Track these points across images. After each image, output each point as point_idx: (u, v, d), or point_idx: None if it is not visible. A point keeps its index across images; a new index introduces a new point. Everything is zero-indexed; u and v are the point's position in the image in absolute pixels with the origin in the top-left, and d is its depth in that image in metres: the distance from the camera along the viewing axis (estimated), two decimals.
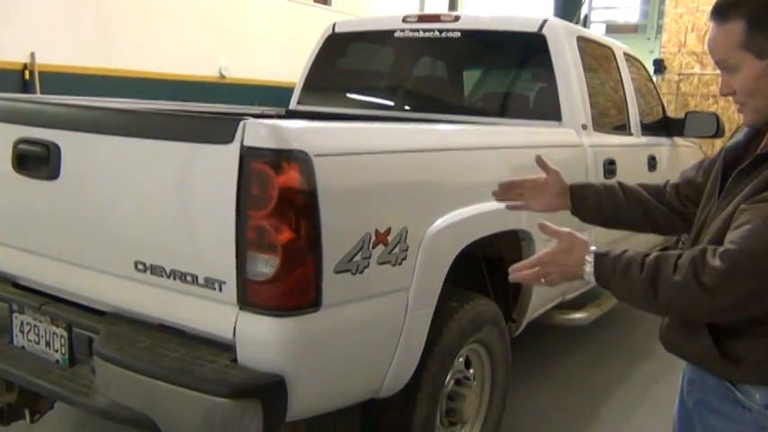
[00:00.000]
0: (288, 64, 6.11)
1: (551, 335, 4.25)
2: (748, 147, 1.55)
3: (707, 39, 1.47)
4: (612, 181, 1.92)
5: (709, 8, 1.44)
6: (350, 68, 4.34)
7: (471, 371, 2.72)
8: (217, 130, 1.84)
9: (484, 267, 3.01)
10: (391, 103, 4.14)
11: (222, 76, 7.25)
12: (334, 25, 4.18)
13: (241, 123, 1.78)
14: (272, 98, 6.56)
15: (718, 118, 4.59)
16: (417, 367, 2.28)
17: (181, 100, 6.21)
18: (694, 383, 1.58)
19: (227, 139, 1.79)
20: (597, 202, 1.85)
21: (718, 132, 4.56)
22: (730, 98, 1.49)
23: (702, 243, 1.48)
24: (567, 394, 3.69)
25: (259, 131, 1.77)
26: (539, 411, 3.45)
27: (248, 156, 1.76)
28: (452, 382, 2.57)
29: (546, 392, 3.68)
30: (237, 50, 7.40)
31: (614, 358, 4.19)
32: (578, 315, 3.67)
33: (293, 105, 4.26)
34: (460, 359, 2.62)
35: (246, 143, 1.77)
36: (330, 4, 8.83)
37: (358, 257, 1.93)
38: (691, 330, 1.48)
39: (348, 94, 4.28)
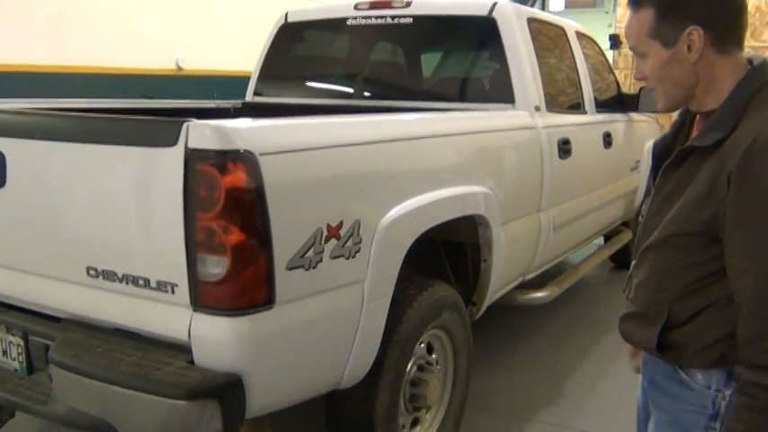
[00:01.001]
0: (247, 52, 6.05)
1: (514, 314, 4.32)
2: (675, 140, 1.59)
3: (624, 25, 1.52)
4: None
5: None
6: (305, 57, 4.33)
7: (434, 356, 2.76)
8: (160, 133, 1.83)
9: (443, 252, 3.05)
10: (348, 91, 4.14)
11: (179, 69, 7.14)
12: (286, 15, 4.15)
13: (184, 125, 1.77)
14: (231, 88, 6.49)
15: None
16: (378, 356, 2.30)
17: (138, 95, 6.14)
18: (648, 365, 1.64)
19: (171, 141, 1.78)
20: None
21: None
22: None
23: (641, 246, 1.55)
24: (532, 371, 3.76)
25: (203, 133, 1.77)
26: (503, 390, 3.51)
27: (193, 158, 1.76)
28: (415, 368, 2.61)
29: (510, 371, 3.74)
30: (194, 41, 7.28)
31: (577, 334, 4.27)
32: (539, 294, 3.73)
33: (249, 97, 4.24)
34: (422, 345, 2.66)
35: (191, 145, 1.76)
36: None
37: (310, 253, 1.95)
38: (645, 320, 1.53)
39: (305, 84, 4.26)
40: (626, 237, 5.28)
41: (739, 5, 1.44)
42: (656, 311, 1.49)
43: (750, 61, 1.46)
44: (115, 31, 6.53)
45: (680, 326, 1.47)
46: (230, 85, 6.80)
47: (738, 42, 1.44)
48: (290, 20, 4.12)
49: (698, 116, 1.53)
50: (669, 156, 1.51)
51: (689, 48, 1.40)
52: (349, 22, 3.88)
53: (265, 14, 7.46)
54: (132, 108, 3.48)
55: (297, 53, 4.26)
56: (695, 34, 1.39)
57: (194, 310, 1.85)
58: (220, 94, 7.09)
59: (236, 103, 4.19)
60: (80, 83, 5.99)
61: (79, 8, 6.32)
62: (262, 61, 4.20)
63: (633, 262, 1.62)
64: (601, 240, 5.26)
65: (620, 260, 5.58)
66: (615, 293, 5.23)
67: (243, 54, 6.83)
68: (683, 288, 1.46)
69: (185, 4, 7.18)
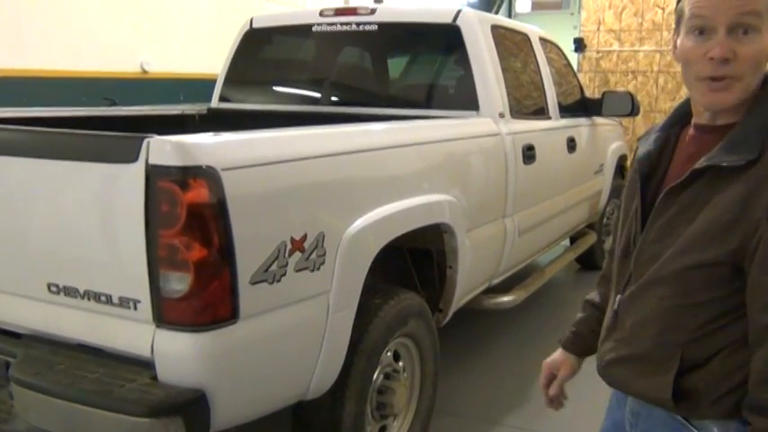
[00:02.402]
0: (213, 55, 6.01)
1: (481, 318, 4.35)
2: (661, 155, 1.43)
3: None
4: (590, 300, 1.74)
5: None
6: (271, 63, 4.31)
7: (400, 363, 2.77)
8: (121, 149, 1.82)
9: (409, 259, 3.07)
10: (314, 97, 4.14)
11: (144, 72, 7.06)
12: (251, 20, 4.14)
13: (145, 141, 1.76)
14: (198, 91, 6.42)
15: (632, 97, 4.76)
16: (344, 366, 2.31)
17: (102, 99, 6.06)
18: (641, 416, 1.44)
19: (131, 158, 1.77)
20: (593, 339, 1.62)
21: (634, 110, 4.73)
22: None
23: (641, 278, 1.37)
24: (499, 375, 3.80)
25: (164, 149, 1.76)
26: (470, 394, 3.54)
27: (154, 174, 1.75)
28: (381, 376, 2.62)
29: (477, 375, 3.77)
30: (159, 44, 7.21)
31: (543, 337, 4.32)
32: (506, 298, 3.77)
33: (215, 102, 4.22)
34: (388, 353, 2.67)
35: (152, 161, 1.75)
36: None
37: (274, 267, 1.95)
38: (651, 365, 1.36)
39: (271, 89, 4.26)
40: (591, 239, 5.36)
41: None
42: (666, 355, 1.31)
43: None
44: (77, 33, 6.45)
45: (692, 371, 1.30)
46: (197, 88, 6.74)
47: None
48: (255, 26, 4.11)
49: (691, 130, 1.37)
50: (654, 173, 1.39)
51: None
52: (314, 29, 3.89)
53: (232, 18, 7.42)
54: (94, 116, 3.45)
55: (262, 59, 4.25)
56: None
57: (157, 326, 1.85)
58: (187, 97, 7.05)
59: (202, 108, 4.16)
60: (42, 87, 5.90)
61: (40, 10, 6.22)
62: (227, 67, 4.19)
63: (618, 296, 1.44)
64: (567, 242, 5.32)
65: (586, 262, 5.66)
66: (581, 295, 5.30)
67: (209, 57, 6.78)
68: (698, 328, 1.29)
69: (150, 7, 7.11)
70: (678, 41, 1.32)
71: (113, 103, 6.18)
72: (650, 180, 1.41)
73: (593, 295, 1.73)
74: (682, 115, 1.43)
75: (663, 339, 1.33)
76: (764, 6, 1.21)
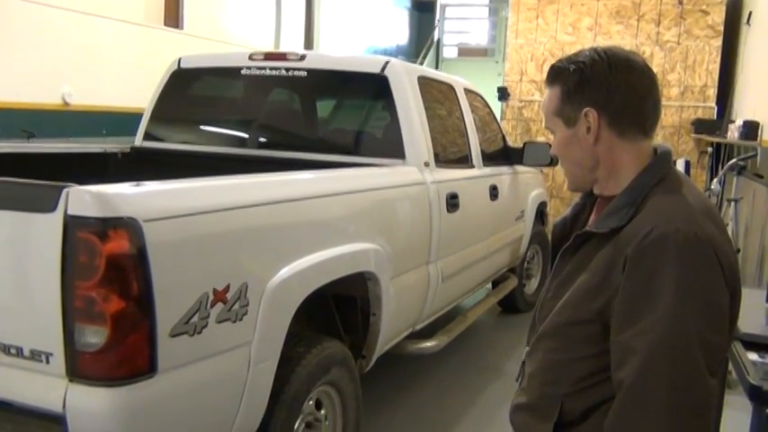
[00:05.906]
0: (137, 89, 5.91)
1: (404, 364, 4.38)
2: (575, 222, 1.59)
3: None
4: None
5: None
6: (198, 103, 4.28)
7: (322, 412, 2.76)
8: (38, 198, 1.78)
9: (333, 306, 3.07)
10: (240, 139, 4.13)
11: (66, 104, 6.88)
12: (179, 60, 4.11)
13: (64, 191, 1.73)
14: (120, 126, 6.30)
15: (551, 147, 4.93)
16: (265, 416, 2.29)
17: (20, 132, 5.86)
18: None
19: (49, 207, 1.73)
20: None
21: (553, 161, 4.90)
22: None
23: (537, 330, 1.51)
24: (422, 421, 3.81)
25: (83, 199, 1.73)
26: None
27: (73, 224, 1.72)
28: (303, 425, 2.60)
29: (400, 422, 3.77)
30: (82, 75, 7.05)
31: (466, 381, 4.37)
32: (429, 343, 3.81)
33: (139, 141, 4.14)
34: (310, 402, 2.66)
35: (70, 212, 1.72)
36: (182, 28, 8.63)
37: (195, 318, 1.93)
38: (537, 413, 1.46)
39: (197, 129, 4.22)
40: (512, 283, 5.49)
41: (640, 92, 1.42)
42: (548, 405, 1.42)
43: (656, 150, 1.45)
44: None
45: (574, 424, 1.40)
46: (119, 121, 6.62)
47: (641, 129, 1.43)
48: (182, 66, 4.08)
49: (598, 200, 1.54)
50: (567, 238, 1.50)
51: (588, 129, 1.42)
52: (243, 72, 3.89)
53: (157, 50, 7.35)
54: (10, 153, 3.33)
55: (189, 99, 4.21)
56: (590, 116, 1.41)
57: (70, 381, 1.79)
58: (110, 130, 6.89)
59: (125, 147, 4.08)
60: None
61: None
62: (153, 105, 4.13)
63: (526, 348, 1.58)
64: (489, 286, 5.43)
65: (508, 305, 5.77)
66: (503, 338, 5.43)
67: (133, 91, 6.67)
68: (575, 382, 1.39)
69: (73, 37, 6.95)
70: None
71: (31, 136, 5.99)
72: (564, 243, 1.53)
73: None
74: None
75: (545, 391, 1.45)
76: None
